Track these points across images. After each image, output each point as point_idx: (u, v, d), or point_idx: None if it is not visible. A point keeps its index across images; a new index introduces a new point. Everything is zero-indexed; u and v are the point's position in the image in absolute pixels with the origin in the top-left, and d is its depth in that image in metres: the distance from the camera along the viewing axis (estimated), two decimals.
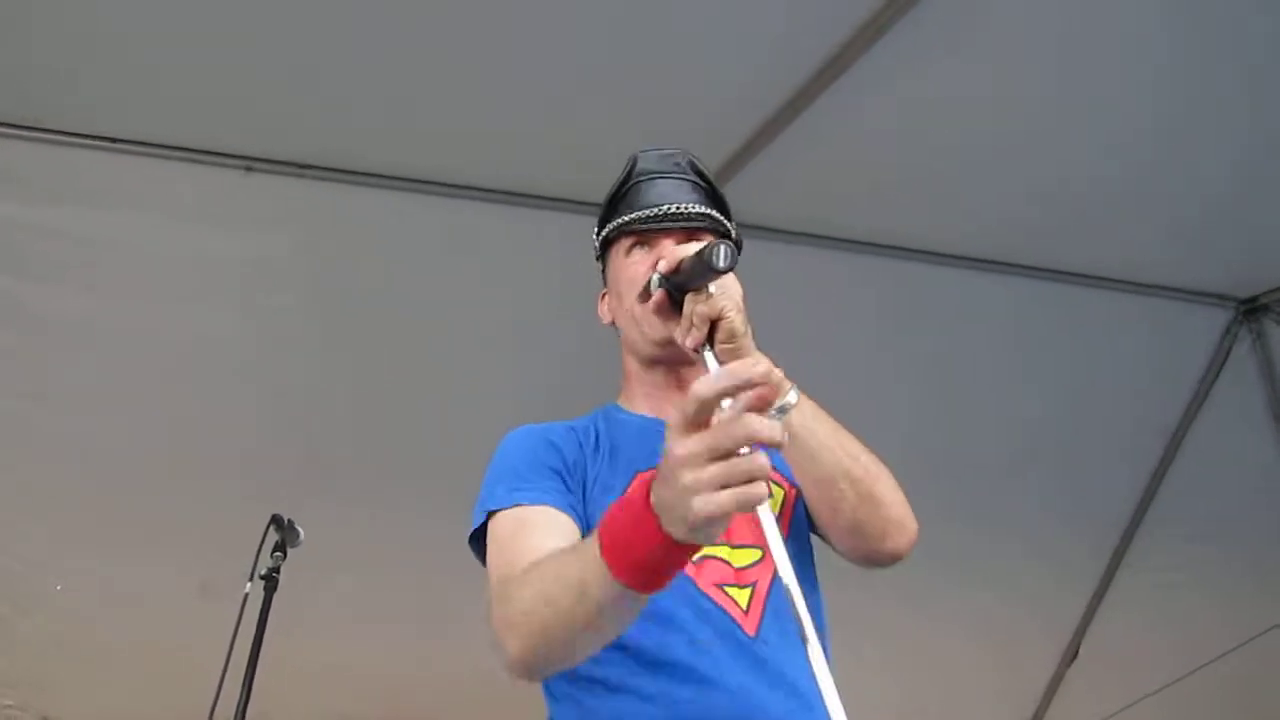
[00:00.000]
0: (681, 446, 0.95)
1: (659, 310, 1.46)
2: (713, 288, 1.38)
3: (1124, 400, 3.77)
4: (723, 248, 1.32)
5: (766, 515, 1.17)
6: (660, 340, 1.52)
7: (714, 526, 0.96)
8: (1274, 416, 3.80)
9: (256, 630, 2.42)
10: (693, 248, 1.42)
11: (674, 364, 1.57)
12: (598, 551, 1.05)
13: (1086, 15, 2.61)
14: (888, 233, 3.30)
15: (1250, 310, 3.60)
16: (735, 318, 1.38)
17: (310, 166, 2.96)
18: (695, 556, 1.36)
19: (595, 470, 1.49)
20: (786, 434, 0.96)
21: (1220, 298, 3.60)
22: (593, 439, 1.54)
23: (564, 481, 1.45)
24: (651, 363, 1.58)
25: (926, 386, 3.50)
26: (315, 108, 2.80)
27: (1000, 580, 3.92)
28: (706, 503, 0.94)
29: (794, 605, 1.13)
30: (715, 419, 0.95)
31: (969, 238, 3.34)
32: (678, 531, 0.98)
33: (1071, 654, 4.39)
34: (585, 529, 1.40)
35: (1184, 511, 3.98)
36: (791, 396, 1.40)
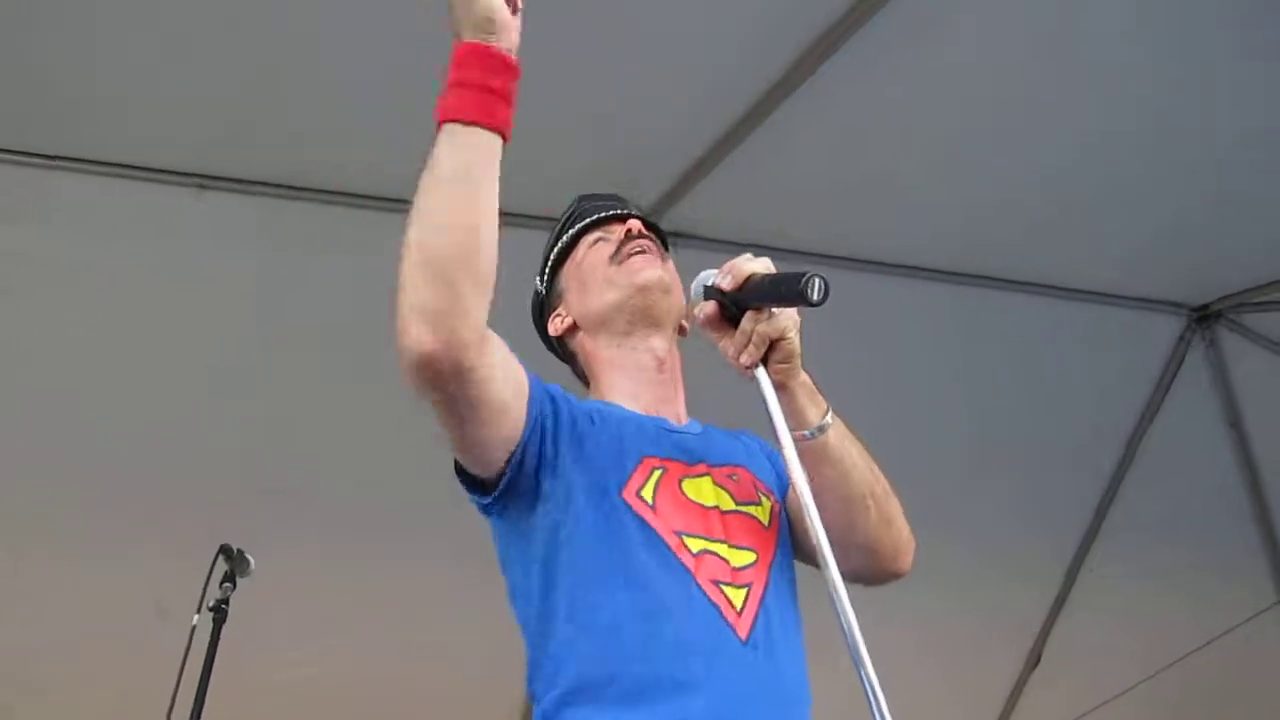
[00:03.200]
0: None
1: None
2: (775, 308, 1.33)
3: (1081, 407, 3.80)
4: (818, 280, 1.25)
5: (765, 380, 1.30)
6: (640, 283, 1.50)
7: None
8: (1227, 422, 3.86)
9: (205, 662, 2.36)
10: (759, 264, 1.34)
11: (651, 315, 1.52)
12: (436, 132, 1.22)
13: (1035, 31, 2.64)
14: (842, 244, 3.28)
15: (1203, 317, 3.65)
16: (796, 339, 1.35)
17: (263, 184, 2.92)
18: (696, 549, 1.33)
19: (573, 434, 1.39)
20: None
21: (1174, 305, 3.64)
22: (586, 411, 1.45)
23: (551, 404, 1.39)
24: (629, 321, 1.52)
25: (882, 397, 3.49)
26: (266, 124, 2.77)
27: (961, 588, 3.92)
28: None
29: (814, 526, 1.22)
30: None
31: (926, 249, 3.35)
32: (466, 32, 1.22)
33: (1033, 660, 4.42)
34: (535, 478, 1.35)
35: (1142, 516, 4.01)
36: (829, 417, 1.39)
